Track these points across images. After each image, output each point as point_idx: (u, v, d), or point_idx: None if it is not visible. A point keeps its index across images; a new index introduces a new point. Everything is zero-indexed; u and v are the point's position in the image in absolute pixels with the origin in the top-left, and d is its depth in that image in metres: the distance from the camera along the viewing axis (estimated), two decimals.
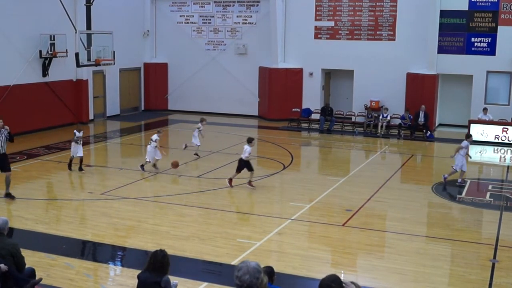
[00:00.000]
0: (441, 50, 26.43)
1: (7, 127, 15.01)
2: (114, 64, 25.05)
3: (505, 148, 23.62)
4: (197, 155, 20.73)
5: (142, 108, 32.26)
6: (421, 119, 25.67)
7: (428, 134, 25.36)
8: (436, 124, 27.64)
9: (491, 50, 25.82)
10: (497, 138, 24.20)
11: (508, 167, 21.19)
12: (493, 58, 25.78)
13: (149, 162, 18.55)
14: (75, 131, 18.40)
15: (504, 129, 24.22)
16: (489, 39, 25.80)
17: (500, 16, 25.56)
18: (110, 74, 29.23)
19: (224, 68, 30.69)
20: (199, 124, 20.80)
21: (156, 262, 7.31)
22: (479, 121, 24.74)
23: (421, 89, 26.44)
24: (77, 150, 18.23)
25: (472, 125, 24.52)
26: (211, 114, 30.51)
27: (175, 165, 18.47)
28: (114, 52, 24.05)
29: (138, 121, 29.21)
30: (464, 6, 25.98)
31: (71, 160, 18.42)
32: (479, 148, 23.72)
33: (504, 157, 22.79)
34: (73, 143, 18.33)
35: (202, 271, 11.14)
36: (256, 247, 12.10)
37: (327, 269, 10.92)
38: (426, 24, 26.31)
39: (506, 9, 25.45)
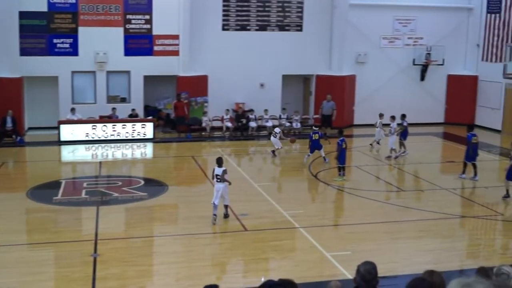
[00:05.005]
0: (24, 52, 25.82)
1: None
2: None
3: (96, 145, 24.39)
4: None
5: None
6: (9, 124, 24.76)
7: (18, 139, 24.61)
8: (26, 128, 26.97)
9: (74, 50, 26.29)
10: (88, 136, 24.82)
11: (100, 162, 21.93)
12: (76, 59, 26.28)
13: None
14: None
15: (93, 127, 24.97)
16: (71, 39, 26.23)
17: (80, 17, 26.18)
18: None
19: None
20: None
21: None
22: (68, 121, 25.00)
23: (6, 93, 25.38)
24: None
25: (61, 126, 24.61)
26: None
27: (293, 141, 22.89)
28: None
29: None
30: (44, 7, 25.84)
31: None
32: (71, 148, 23.97)
33: (96, 153, 23.54)
34: None
35: None
36: None
37: None
38: (6, 26, 25.31)
39: (85, 10, 26.18)
